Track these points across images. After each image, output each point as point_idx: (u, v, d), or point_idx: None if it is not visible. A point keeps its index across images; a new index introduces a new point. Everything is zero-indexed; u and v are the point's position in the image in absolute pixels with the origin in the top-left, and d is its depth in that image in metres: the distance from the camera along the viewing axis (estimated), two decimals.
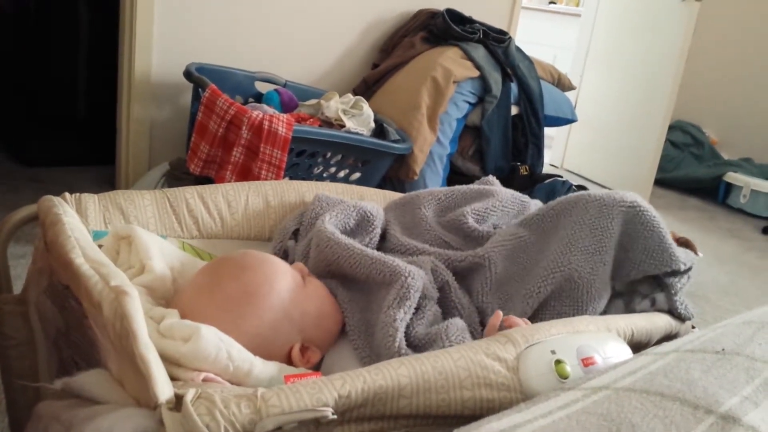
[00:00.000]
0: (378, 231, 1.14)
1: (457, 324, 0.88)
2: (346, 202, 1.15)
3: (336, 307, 0.95)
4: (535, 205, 1.28)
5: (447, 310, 0.99)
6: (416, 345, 0.87)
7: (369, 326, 0.91)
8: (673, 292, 1.03)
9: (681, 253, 1.04)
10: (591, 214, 1.04)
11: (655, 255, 1.02)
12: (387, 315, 0.87)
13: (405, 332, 0.87)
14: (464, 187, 1.26)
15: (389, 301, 0.89)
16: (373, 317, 0.91)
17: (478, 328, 1.01)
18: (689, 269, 1.03)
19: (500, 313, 0.92)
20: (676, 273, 1.03)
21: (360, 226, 1.13)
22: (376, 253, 0.97)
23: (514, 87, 2.47)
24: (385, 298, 0.90)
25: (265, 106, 2.07)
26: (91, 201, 1.02)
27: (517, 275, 1.05)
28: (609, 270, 1.03)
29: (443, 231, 1.17)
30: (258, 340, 0.83)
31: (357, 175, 2.11)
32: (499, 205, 1.20)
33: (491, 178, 1.33)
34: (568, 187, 2.36)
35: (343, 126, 2.13)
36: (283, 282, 0.89)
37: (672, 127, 4.03)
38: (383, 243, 1.17)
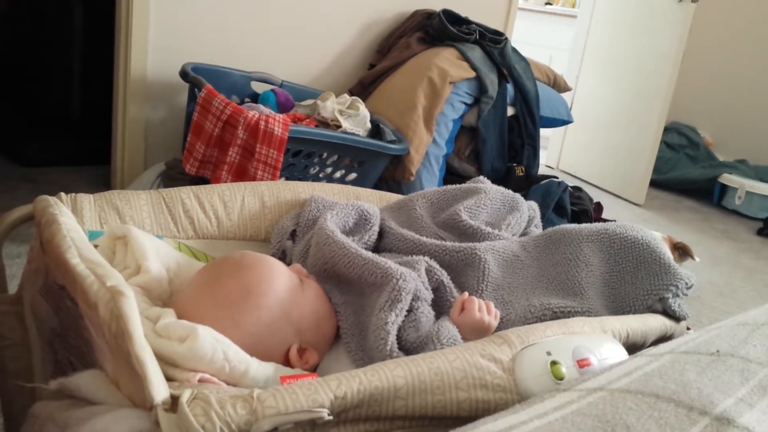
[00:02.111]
0: (375, 229, 1.16)
1: (448, 327, 0.89)
2: (347, 202, 1.16)
3: (332, 310, 0.96)
4: (528, 205, 1.30)
5: (443, 310, 0.99)
6: (408, 348, 0.87)
7: (363, 329, 0.92)
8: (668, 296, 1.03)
9: (683, 270, 1.04)
10: (582, 248, 1.09)
11: (659, 277, 1.03)
12: (378, 318, 0.87)
13: (397, 335, 0.87)
14: (454, 186, 1.29)
15: (381, 303, 0.89)
16: (367, 320, 0.92)
17: None
18: (690, 287, 1.04)
19: (466, 294, 0.96)
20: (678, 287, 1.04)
21: (358, 225, 1.15)
22: (369, 254, 0.98)
23: (510, 88, 2.47)
24: (377, 300, 0.91)
25: (261, 106, 2.07)
26: (87, 201, 1.02)
27: (514, 285, 1.07)
28: (614, 300, 1.04)
29: (439, 230, 1.19)
30: (255, 339, 0.83)
31: (353, 175, 2.11)
32: (488, 201, 1.23)
33: (481, 178, 1.36)
34: (563, 189, 2.37)
35: (339, 126, 2.13)
36: (281, 282, 0.89)
37: (667, 129, 4.03)
38: (381, 240, 1.18)
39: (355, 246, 1.00)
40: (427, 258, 1.05)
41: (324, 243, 1.02)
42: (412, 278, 0.93)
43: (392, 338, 0.85)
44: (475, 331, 0.92)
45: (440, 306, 1.00)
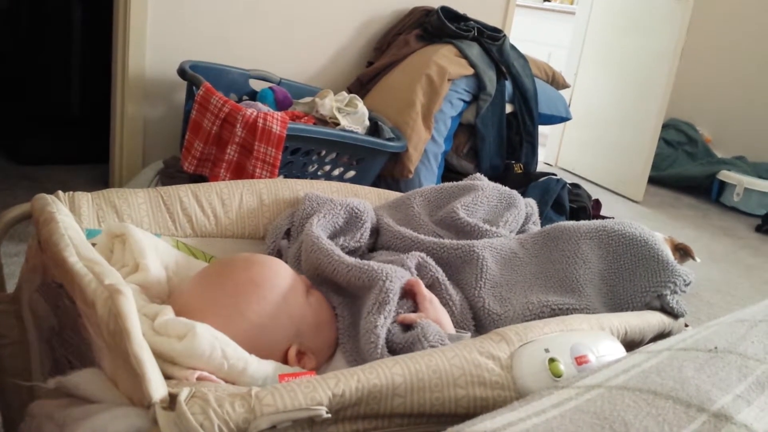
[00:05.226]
0: (368, 225, 1.15)
1: (432, 324, 0.89)
2: (335, 201, 1.16)
3: (333, 319, 0.96)
4: (526, 202, 1.30)
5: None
6: (395, 350, 0.87)
7: (358, 330, 0.92)
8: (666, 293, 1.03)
9: (681, 267, 1.04)
10: (580, 245, 1.08)
11: (657, 274, 1.03)
12: (367, 321, 0.87)
13: (386, 337, 0.87)
14: (450, 184, 1.29)
15: (369, 306, 0.89)
16: (360, 321, 0.92)
17: (471, 324, 1.01)
18: (689, 284, 1.04)
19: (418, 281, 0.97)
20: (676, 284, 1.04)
21: (349, 224, 1.14)
22: (352, 260, 0.97)
23: (508, 85, 2.47)
24: (365, 303, 0.91)
25: (259, 104, 2.07)
26: (85, 199, 1.02)
27: (512, 282, 1.07)
28: (612, 297, 1.04)
29: (437, 227, 1.19)
30: (257, 331, 0.84)
31: (352, 173, 2.11)
32: (485, 198, 1.23)
33: (478, 175, 1.36)
34: (562, 186, 2.37)
35: (337, 124, 2.13)
36: (288, 280, 0.91)
37: (666, 126, 4.03)
38: (378, 238, 1.18)
39: (338, 252, 0.99)
40: (422, 254, 1.05)
41: (311, 250, 1.02)
42: (398, 277, 0.93)
43: (382, 341, 0.85)
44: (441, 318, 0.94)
45: None
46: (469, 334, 0.92)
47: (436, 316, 0.93)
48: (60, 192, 1.00)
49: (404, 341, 0.87)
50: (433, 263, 1.04)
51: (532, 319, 0.98)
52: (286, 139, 1.83)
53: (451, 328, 0.95)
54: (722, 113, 4.28)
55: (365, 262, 0.96)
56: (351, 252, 1.12)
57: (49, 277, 0.82)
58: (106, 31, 2.33)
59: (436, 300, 0.97)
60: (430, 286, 1.01)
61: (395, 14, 2.72)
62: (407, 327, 0.90)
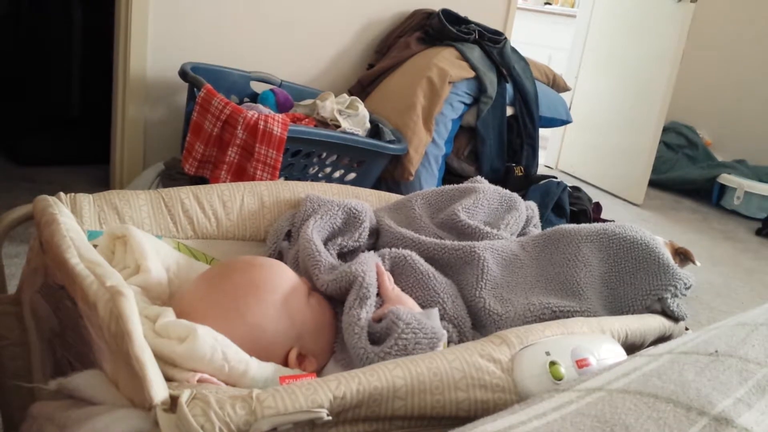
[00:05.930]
0: (366, 225, 1.16)
1: (402, 307, 0.90)
2: (334, 202, 1.16)
3: (334, 321, 0.96)
4: (526, 205, 1.30)
5: (426, 303, 1.00)
6: (376, 340, 0.87)
7: None
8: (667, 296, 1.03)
9: (682, 271, 1.04)
10: (581, 249, 1.09)
11: (658, 277, 1.03)
12: (350, 315, 0.89)
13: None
14: (451, 186, 1.29)
15: (350, 302, 0.91)
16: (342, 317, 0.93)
17: (467, 319, 1.01)
18: (689, 287, 1.04)
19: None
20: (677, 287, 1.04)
21: (347, 224, 1.15)
22: (327, 276, 0.98)
23: (509, 88, 2.47)
24: (347, 299, 0.93)
25: (260, 106, 2.07)
26: (86, 201, 1.02)
27: (513, 284, 1.07)
28: (613, 300, 1.04)
29: (438, 229, 1.19)
30: (258, 333, 0.84)
31: (352, 175, 2.12)
32: (485, 201, 1.23)
33: (478, 177, 1.37)
34: (562, 189, 2.37)
35: (338, 126, 2.13)
36: (289, 283, 0.91)
37: (666, 129, 4.03)
38: (378, 239, 1.18)
39: (321, 265, 1.01)
40: (407, 251, 1.06)
41: (305, 253, 1.04)
42: (371, 269, 0.95)
43: (365, 333, 0.86)
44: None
45: (425, 298, 1.02)
46: (435, 310, 0.93)
47: (399, 301, 0.95)
48: (61, 193, 1.00)
49: (381, 329, 0.88)
50: (420, 258, 1.05)
51: (533, 320, 0.98)
52: (287, 141, 1.83)
53: (417, 309, 0.96)
54: (723, 116, 4.28)
55: (339, 270, 0.97)
56: (351, 251, 1.13)
57: (50, 278, 0.82)
58: (107, 31, 2.34)
59: (397, 288, 1.00)
60: (413, 285, 1.02)
61: (396, 17, 2.72)
62: (380, 320, 0.91)
